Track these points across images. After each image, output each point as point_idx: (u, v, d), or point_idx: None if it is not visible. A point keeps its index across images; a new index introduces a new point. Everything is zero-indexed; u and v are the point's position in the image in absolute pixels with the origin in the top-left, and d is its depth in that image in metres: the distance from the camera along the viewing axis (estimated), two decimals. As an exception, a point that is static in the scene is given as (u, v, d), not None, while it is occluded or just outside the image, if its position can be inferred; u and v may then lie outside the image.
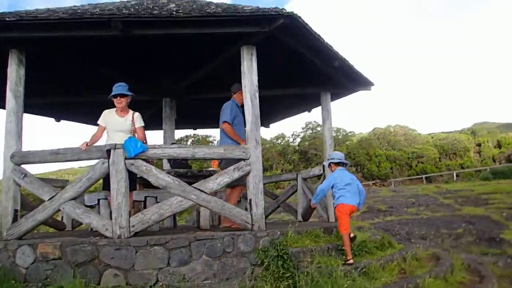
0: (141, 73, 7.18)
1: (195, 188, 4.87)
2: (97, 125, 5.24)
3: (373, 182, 38.01)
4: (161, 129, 8.17)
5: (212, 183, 4.96)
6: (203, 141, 39.08)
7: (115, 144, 4.73)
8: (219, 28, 4.90)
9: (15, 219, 4.95)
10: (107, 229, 4.61)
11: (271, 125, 10.94)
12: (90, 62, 6.54)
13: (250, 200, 5.09)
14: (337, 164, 5.48)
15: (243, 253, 4.76)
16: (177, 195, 4.81)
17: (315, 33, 5.29)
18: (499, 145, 44.98)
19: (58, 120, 9.35)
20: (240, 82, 5.39)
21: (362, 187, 5.42)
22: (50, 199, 4.79)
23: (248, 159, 5.12)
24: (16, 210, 4.99)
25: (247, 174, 5.11)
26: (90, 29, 4.77)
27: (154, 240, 4.49)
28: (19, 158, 5.01)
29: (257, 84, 5.31)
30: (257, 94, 5.32)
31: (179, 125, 8.65)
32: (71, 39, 5.14)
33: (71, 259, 4.41)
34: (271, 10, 4.72)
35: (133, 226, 4.64)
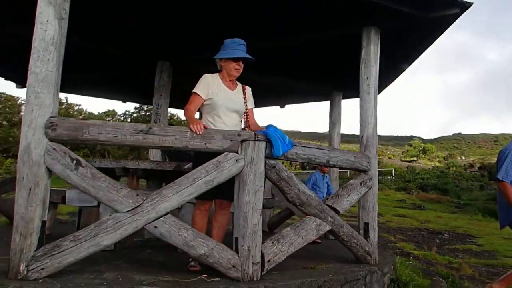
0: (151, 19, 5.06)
1: (331, 207, 3.55)
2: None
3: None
4: (147, 102, 6.06)
5: (346, 201, 3.71)
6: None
7: (255, 133, 3.04)
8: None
9: (41, 241, 2.71)
10: (233, 266, 2.90)
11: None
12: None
13: (367, 224, 4.01)
14: None
15: (376, 295, 3.69)
16: (312, 215, 3.40)
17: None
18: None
19: None
20: None
21: None
22: (131, 210, 2.75)
23: (369, 172, 4.04)
24: (43, 223, 2.74)
25: (369, 190, 4.02)
26: None
27: (307, 284, 3.03)
28: (65, 131, 2.74)
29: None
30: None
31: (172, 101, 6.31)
32: None
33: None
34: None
35: (268, 261, 3.04)
